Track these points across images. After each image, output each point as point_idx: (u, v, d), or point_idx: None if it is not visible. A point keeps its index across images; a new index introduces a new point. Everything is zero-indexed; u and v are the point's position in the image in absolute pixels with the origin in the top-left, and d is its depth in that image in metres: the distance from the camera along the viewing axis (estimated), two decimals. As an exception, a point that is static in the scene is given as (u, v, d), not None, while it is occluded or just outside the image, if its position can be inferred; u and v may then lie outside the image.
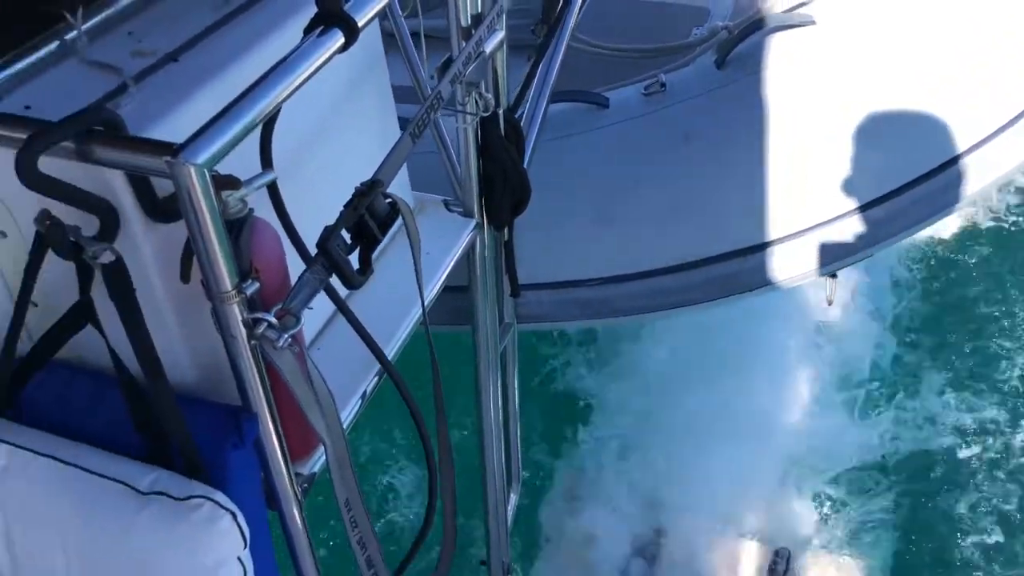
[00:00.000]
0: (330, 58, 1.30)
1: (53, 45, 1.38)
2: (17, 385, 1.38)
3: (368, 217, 1.36)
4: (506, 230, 2.11)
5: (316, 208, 1.45)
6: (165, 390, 1.26)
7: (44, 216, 1.20)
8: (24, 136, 1.15)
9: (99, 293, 1.27)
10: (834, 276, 2.82)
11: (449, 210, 2.05)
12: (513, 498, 2.77)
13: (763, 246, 2.57)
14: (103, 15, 1.45)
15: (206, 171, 1.09)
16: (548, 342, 4.28)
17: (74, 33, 1.39)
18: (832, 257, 2.60)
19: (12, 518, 1.29)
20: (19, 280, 1.38)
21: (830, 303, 3.06)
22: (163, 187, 1.25)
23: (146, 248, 1.27)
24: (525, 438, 2.72)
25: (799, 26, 2.69)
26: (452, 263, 1.94)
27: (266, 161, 1.36)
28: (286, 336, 1.24)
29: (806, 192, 2.63)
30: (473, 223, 2.00)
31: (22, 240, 1.34)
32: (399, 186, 1.94)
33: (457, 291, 2.04)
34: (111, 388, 1.39)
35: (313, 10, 1.54)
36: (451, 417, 1.72)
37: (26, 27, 1.38)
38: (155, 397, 1.26)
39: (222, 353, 1.38)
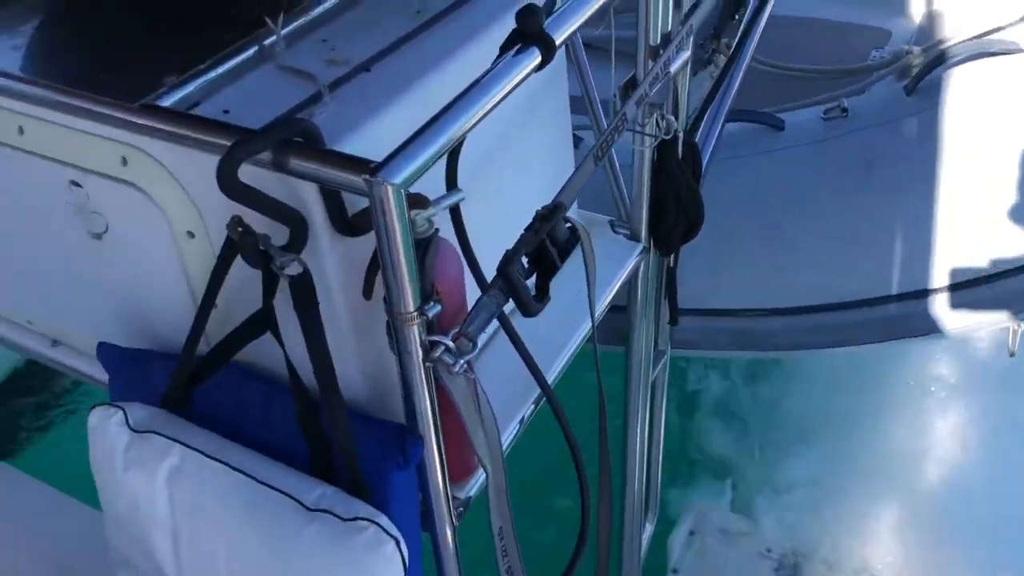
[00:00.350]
0: (526, 77, 1.26)
1: (252, 50, 1.39)
2: (193, 384, 1.40)
3: (549, 243, 1.32)
4: (671, 256, 2.03)
5: (487, 228, 1.42)
6: (338, 404, 1.24)
7: (236, 223, 1.20)
8: (225, 143, 1.16)
9: (277, 301, 1.27)
10: (1019, 325, 2.61)
11: (615, 232, 1.98)
12: (648, 528, 2.70)
13: (944, 288, 2.39)
14: (300, 21, 1.45)
15: (402, 191, 1.06)
16: (700, 365, 4.13)
17: (273, 38, 1.40)
18: (1021, 306, 2.40)
19: (180, 517, 1.30)
20: (201, 280, 1.40)
21: (1012, 355, 2.83)
22: (351, 201, 1.24)
23: (330, 261, 1.25)
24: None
25: (1003, 54, 2.49)
26: (616, 288, 1.87)
27: (451, 180, 1.34)
28: (462, 362, 1.20)
29: (997, 233, 2.43)
30: (640, 248, 1.93)
31: (208, 242, 1.36)
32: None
33: (610, 310, 1.98)
34: (282, 395, 1.39)
35: (506, 21, 1.50)
36: (586, 439, 1.64)
37: (229, 31, 1.40)
38: (328, 411, 1.25)
39: (391, 370, 1.36)
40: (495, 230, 1.43)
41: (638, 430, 2.31)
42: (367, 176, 1.06)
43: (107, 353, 1.54)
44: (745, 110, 2.62)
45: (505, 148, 1.63)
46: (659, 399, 2.38)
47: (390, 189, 1.05)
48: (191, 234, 1.36)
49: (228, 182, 1.10)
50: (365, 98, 1.33)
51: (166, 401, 1.41)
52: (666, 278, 2.08)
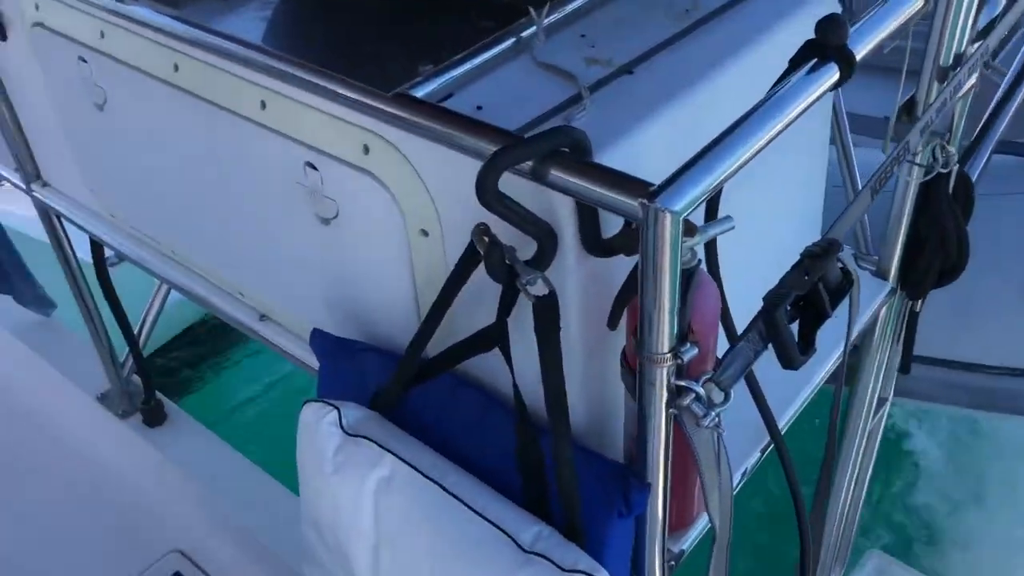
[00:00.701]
0: (820, 97, 1.10)
1: (509, 42, 1.29)
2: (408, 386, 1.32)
3: (821, 287, 1.15)
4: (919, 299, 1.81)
5: (728, 260, 1.27)
6: (566, 438, 1.13)
7: (482, 231, 1.11)
8: (484, 145, 1.06)
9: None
10: None
11: (859, 265, 1.79)
12: (835, 578, 2.49)
13: None
14: (559, 14, 1.34)
15: (680, 220, 0.93)
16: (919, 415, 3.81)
17: (532, 30, 1.30)
18: None
19: (384, 534, 1.23)
20: (427, 279, 1.33)
21: None
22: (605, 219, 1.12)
23: (572, 281, 1.14)
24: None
25: None
26: (859, 330, 1.68)
27: (713, 206, 1.19)
28: (713, 414, 1.06)
29: None
30: (888, 287, 1.73)
31: (441, 243, 1.27)
32: (810, 229, 1.71)
33: None
34: (495, 410, 1.31)
35: (786, 27, 1.35)
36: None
37: (486, 19, 1.30)
38: (554, 443, 1.13)
39: (615, 404, 1.25)
40: (737, 263, 1.28)
41: (846, 479, 2.12)
42: (643, 200, 0.93)
43: (320, 339, 1.49)
44: (1013, 142, 2.32)
45: (760, 171, 1.47)
46: (871, 448, 2.16)
47: (668, 217, 0.92)
48: (425, 232, 1.27)
49: (488, 191, 1.00)
50: (628, 104, 1.20)
51: (377, 401, 1.34)
52: (907, 322, 1.86)
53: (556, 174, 1.02)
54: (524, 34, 1.30)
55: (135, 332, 2.64)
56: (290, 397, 4.60)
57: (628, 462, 1.28)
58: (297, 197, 1.43)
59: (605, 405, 1.27)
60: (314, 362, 1.65)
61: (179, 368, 4.82)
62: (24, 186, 2.30)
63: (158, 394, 2.73)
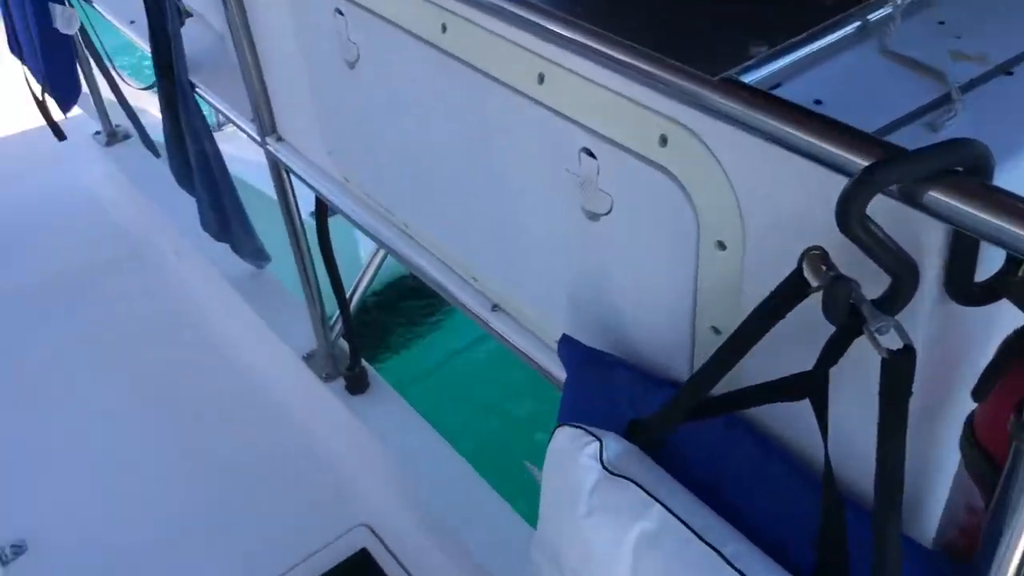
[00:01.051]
0: None
1: (853, 25, 1.05)
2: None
3: None
4: None
5: None
6: (896, 523, 0.91)
7: (819, 258, 0.89)
8: (847, 156, 0.84)
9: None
10: None
11: None
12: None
13: None
14: None
15: None
16: None
17: (883, 12, 1.06)
18: None
19: (642, 593, 1.05)
20: (712, 299, 1.13)
21: None
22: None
23: (923, 330, 0.91)
24: None
25: None
26: None
27: None
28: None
29: None
30: None
31: (739, 259, 1.07)
32: None
33: None
34: (772, 459, 1.10)
35: None
36: None
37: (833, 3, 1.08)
38: (879, 527, 0.91)
39: (938, 481, 1.02)
40: None
41: None
42: None
43: (569, 347, 1.33)
44: None
45: None
46: None
47: None
48: (722, 245, 1.07)
49: (854, 213, 0.79)
50: (1012, 111, 0.95)
51: (638, 433, 1.16)
52: None
53: (938, 197, 0.80)
54: (871, 17, 1.06)
55: (347, 296, 2.59)
56: (471, 365, 4.56)
57: (942, 551, 1.05)
58: (564, 186, 1.26)
59: (926, 480, 1.04)
60: (545, 360, 1.51)
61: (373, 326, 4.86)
62: (259, 138, 2.27)
63: (363, 362, 2.68)
